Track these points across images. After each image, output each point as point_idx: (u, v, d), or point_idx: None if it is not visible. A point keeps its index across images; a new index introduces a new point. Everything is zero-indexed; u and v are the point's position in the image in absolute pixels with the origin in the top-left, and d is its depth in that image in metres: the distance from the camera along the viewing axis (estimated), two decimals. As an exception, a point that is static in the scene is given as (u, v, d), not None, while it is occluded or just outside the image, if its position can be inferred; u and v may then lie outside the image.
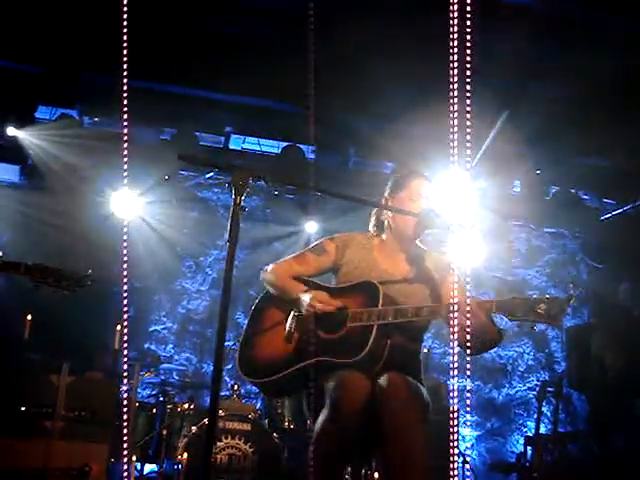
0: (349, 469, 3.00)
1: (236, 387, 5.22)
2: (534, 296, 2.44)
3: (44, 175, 6.18)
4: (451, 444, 2.31)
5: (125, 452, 2.95)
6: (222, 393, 5.18)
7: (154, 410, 5.35)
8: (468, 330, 2.40)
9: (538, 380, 7.60)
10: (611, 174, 6.63)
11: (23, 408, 4.08)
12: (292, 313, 2.84)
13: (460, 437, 7.07)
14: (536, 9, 4.67)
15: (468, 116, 2.11)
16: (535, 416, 5.88)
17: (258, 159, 6.74)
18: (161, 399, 5.43)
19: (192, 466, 4.48)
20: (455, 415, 2.39)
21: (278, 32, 4.94)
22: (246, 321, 3.00)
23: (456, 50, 2.15)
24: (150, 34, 4.40)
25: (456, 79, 2.11)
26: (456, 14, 2.18)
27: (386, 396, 2.49)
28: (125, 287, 2.31)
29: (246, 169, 2.09)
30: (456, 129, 2.11)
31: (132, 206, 6.22)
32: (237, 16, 4.99)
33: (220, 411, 4.66)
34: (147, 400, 5.72)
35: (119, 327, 5.07)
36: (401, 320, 2.62)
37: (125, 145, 2.41)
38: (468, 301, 2.44)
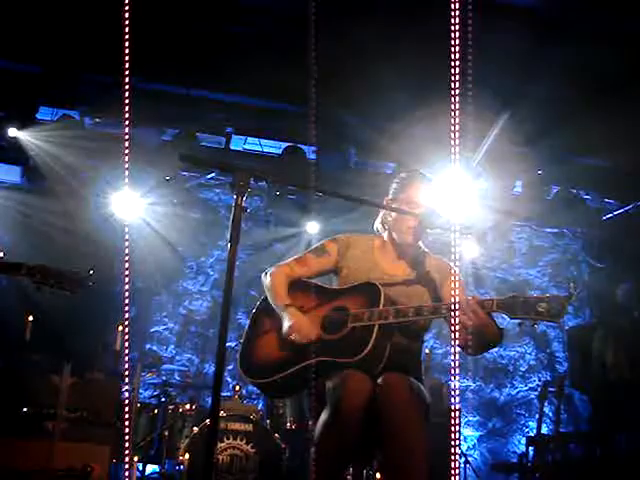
0: (351, 469, 3.01)
1: (238, 388, 5.22)
2: (534, 295, 2.44)
3: (45, 176, 6.18)
4: (452, 444, 2.31)
5: (127, 453, 2.95)
6: (224, 394, 5.17)
7: (156, 411, 5.36)
8: (469, 329, 2.40)
9: (540, 380, 7.60)
10: (612, 174, 6.61)
11: (25, 409, 4.09)
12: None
13: (462, 437, 7.06)
14: (536, 9, 4.67)
15: (468, 116, 2.11)
16: (537, 416, 5.88)
17: (259, 160, 6.74)
18: (163, 400, 5.44)
19: (194, 467, 4.47)
20: (457, 415, 2.39)
21: (279, 32, 4.94)
22: (247, 322, 3.01)
23: (456, 50, 2.16)
24: (151, 35, 4.39)
25: (456, 79, 2.11)
26: (456, 14, 2.18)
27: (387, 396, 2.49)
28: (126, 288, 2.31)
29: (247, 169, 2.08)
30: (456, 129, 2.11)
31: (133, 207, 6.23)
32: (238, 17, 4.99)
33: (222, 412, 4.66)
34: (149, 401, 5.73)
35: (120, 328, 5.08)
36: (402, 320, 2.62)
37: (126, 146, 2.41)
38: (469, 299, 2.44)
